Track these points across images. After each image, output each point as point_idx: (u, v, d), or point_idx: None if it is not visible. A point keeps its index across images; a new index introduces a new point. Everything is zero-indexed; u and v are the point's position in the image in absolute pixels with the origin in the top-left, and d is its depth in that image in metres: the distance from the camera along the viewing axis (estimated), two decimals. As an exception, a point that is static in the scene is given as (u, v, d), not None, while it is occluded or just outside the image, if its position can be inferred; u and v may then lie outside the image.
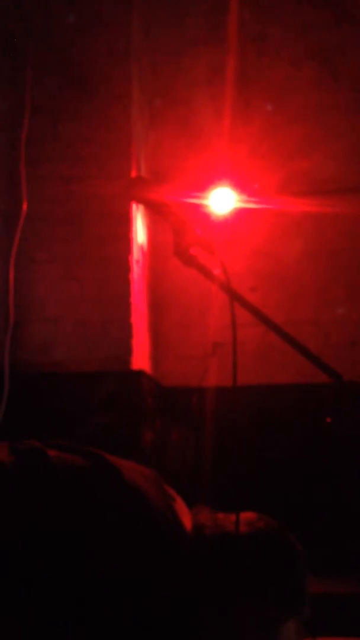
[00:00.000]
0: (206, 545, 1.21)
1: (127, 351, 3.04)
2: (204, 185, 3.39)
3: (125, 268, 3.11)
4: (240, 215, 3.52)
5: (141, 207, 3.25)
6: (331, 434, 3.19)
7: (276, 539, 1.25)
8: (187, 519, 1.23)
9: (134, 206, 3.18)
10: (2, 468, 1.12)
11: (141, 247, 3.36)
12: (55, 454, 1.17)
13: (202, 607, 1.17)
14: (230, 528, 1.22)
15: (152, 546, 1.12)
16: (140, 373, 3.06)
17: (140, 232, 3.33)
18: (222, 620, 1.19)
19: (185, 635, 1.13)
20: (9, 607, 1.06)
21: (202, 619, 1.17)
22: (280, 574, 1.22)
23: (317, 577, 1.33)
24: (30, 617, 1.06)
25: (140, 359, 3.20)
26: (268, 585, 1.21)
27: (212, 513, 1.28)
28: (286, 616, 1.22)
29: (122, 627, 1.08)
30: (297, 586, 1.24)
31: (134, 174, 3.22)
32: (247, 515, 1.27)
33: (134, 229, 3.20)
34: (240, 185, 3.45)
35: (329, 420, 3.15)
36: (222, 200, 3.39)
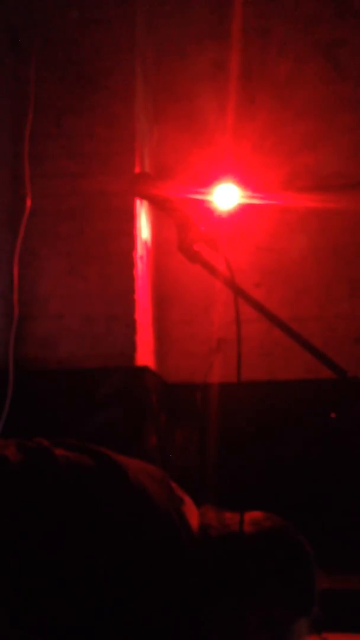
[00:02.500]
0: (212, 546, 1.20)
1: (131, 347, 3.04)
2: (208, 181, 3.38)
3: (129, 264, 3.11)
4: (244, 211, 3.51)
5: (145, 203, 3.24)
6: (336, 430, 3.18)
7: (283, 539, 1.24)
8: (194, 520, 1.23)
9: (137, 202, 3.18)
10: (10, 467, 1.12)
11: (145, 243, 3.35)
12: (62, 453, 1.16)
13: (208, 608, 1.17)
14: (236, 528, 1.21)
15: (155, 547, 1.12)
16: (144, 369, 3.06)
17: (144, 228, 3.33)
18: (230, 621, 1.18)
19: (191, 637, 1.13)
20: (11, 605, 1.05)
21: (209, 620, 1.17)
22: (288, 575, 1.21)
23: (322, 572, 1.33)
24: (32, 616, 1.06)
25: (145, 355, 3.20)
26: (275, 585, 1.20)
27: (218, 513, 1.27)
28: (295, 616, 1.21)
29: (126, 628, 1.08)
30: (305, 586, 1.23)
31: (137, 169, 3.22)
32: (254, 515, 1.26)
33: (137, 225, 3.19)
34: (245, 181, 3.44)
35: (333, 416, 3.14)
36: (226, 196, 3.38)
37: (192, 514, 1.24)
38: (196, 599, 1.15)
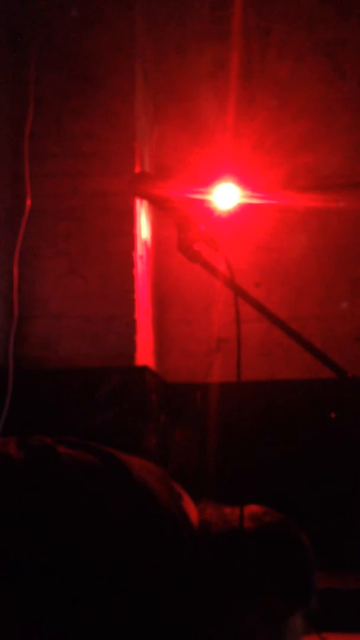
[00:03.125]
0: (212, 542, 1.21)
1: (131, 347, 3.04)
2: (208, 180, 3.38)
3: (129, 264, 3.11)
4: (244, 210, 3.51)
5: (145, 202, 3.24)
6: (336, 430, 3.18)
7: (282, 533, 1.25)
8: (194, 516, 1.24)
9: (137, 202, 3.18)
10: (13, 464, 1.12)
11: (145, 243, 3.35)
12: (65, 450, 1.17)
13: (210, 603, 1.17)
14: (236, 524, 1.22)
15: (158, 544, 1.12)
16: (144, 369, 3.06)
17: (144, 228, 3.33)
18: (231, 616, 1.19)
19: (191, 632, 1.14)
20: (13, 603, 1.06)
21: (210, 615, 1.17)
22: (286, 568, 1.23)
23: (321, 572, 1.33)
24: (34, 614, 1.06)
25: (144, 355, 3.20)
26: (274, 579, 1.21)
27: (217, 508, 1.28)
28: (293, 609, 1.22)
29: (127, 625, 1.08)
30: (304, 579, 1.24)
31: (137, 169, 3.22)
32: (253, 510, 1.27)
33: (137, 224, 3.19)
34: (245, 180, 3.44)
35: (333, 415, 3.14)
36: (226, 196, 3.38)
37: (192, 510, 1.24)
38: (198, 594, 1.15)
